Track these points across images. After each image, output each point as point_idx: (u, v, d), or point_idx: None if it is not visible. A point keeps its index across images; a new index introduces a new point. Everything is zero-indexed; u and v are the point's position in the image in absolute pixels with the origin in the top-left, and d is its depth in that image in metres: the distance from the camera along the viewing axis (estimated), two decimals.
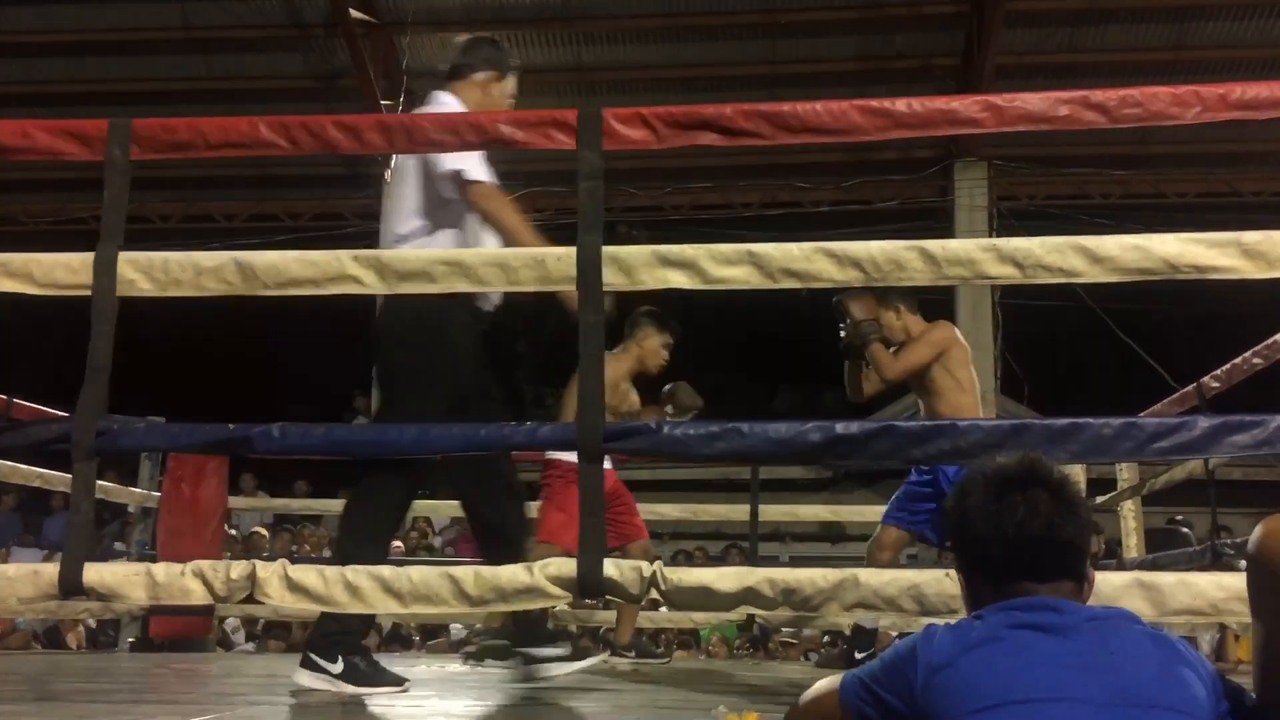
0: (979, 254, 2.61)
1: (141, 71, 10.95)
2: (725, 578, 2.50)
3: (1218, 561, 4.52)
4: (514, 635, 3.62)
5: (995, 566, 1.54)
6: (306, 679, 2.98)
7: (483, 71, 3.42)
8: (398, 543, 8.94)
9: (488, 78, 3.42)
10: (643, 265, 2.67)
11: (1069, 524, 1.53)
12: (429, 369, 3.14)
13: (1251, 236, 2.53)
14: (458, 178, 3.15)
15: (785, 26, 10.36)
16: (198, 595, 2.59)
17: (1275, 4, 9.67)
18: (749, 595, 2.47)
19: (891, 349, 4.37)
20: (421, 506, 9.63)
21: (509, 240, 3.13)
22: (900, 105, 2.71)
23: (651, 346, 4.81)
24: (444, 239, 3.21)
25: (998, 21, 9.75)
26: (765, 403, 15.70)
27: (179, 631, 5.88)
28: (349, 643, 3.05)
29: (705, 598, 2.52)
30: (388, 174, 3.30)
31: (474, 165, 3.15)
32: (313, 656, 3.00)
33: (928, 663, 1.46)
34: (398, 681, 3.09)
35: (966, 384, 4.35)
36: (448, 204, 3.22)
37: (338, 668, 2.99)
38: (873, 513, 7.63)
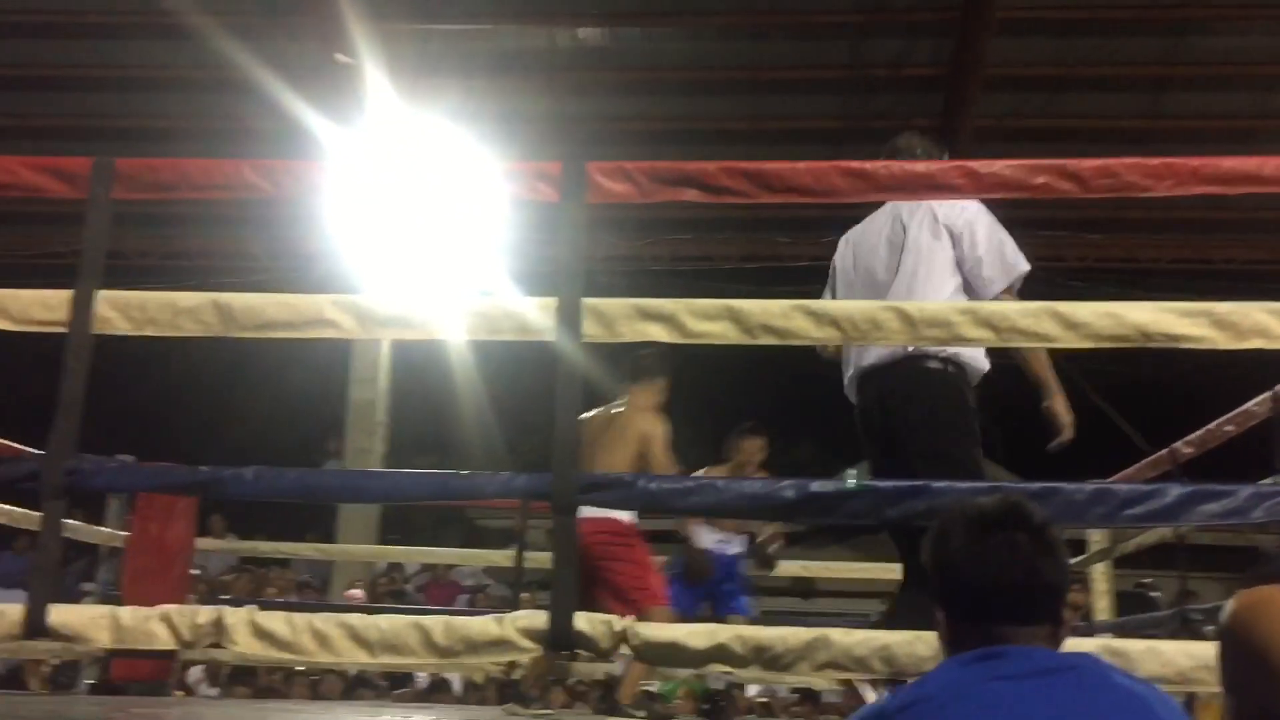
0: (955, 316, 2.64)
1: (123, 109, 10.95)
2: (696, 634, 2.49)
3: (1186, 627, 4.52)
4: None
5: (975, 609, 1.54)
6: None
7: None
8: (359, 591, 8.82)
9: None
10: (622, 318, 2.67)
11: (1049, 567, 1.53)
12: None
13: (1223, 307, 2.56)
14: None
15: (767, 83, 10.47)
16: (163, 640, 2.54)
17: (1249, 77, 9.88)
18: (719, 652, 2.45)
19: None
20: (392, 552, 9.60)
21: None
22: (880, 169, 2.75)
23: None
24: None
25: (976, 85, 9.88)
26: None
27: (140, 674, 5.77)
28: None
29: (675, 653, 2.51)
30: None
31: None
32: None
33: None
34: None
35: None
36: None
37: None
38: (844, 569, 7.62)
